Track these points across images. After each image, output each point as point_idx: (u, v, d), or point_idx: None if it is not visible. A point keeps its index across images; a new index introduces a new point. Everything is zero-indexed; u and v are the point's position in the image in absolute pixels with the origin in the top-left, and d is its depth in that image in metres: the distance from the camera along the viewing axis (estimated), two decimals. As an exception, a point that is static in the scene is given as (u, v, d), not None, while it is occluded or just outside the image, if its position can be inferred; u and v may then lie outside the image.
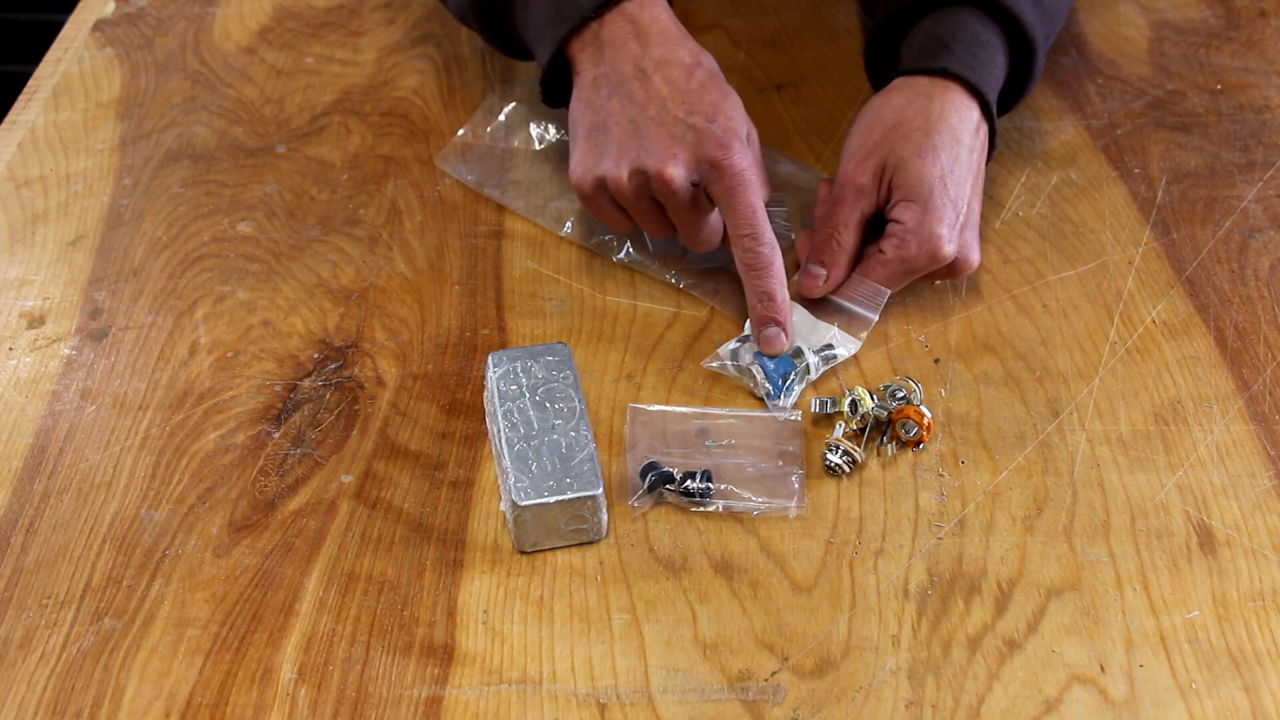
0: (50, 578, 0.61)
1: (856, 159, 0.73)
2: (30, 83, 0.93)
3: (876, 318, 0.72)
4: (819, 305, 0.73)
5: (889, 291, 0.72)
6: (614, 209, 0.73)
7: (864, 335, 0.71)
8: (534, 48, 0.77)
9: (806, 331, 0.71)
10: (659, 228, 0.73)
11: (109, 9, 1.00)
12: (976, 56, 0.74)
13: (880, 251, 0.72)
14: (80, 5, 1.01)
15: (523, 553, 0.62)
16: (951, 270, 0.72)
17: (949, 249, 0.70)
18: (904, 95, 0.74)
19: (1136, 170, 0.83)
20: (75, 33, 0.98)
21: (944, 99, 0.73)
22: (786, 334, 0.70)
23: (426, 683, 0.57)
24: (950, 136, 0.72)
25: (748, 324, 0.72)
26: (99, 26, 0.98)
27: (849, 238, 0.73)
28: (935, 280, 0.75)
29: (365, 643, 0.58)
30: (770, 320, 0.70)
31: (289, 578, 0.61)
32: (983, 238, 0.78)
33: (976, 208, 0.74)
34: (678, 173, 0.68)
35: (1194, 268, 0.76)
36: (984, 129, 0.74)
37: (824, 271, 0.73)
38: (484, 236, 0.80)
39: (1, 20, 1.59)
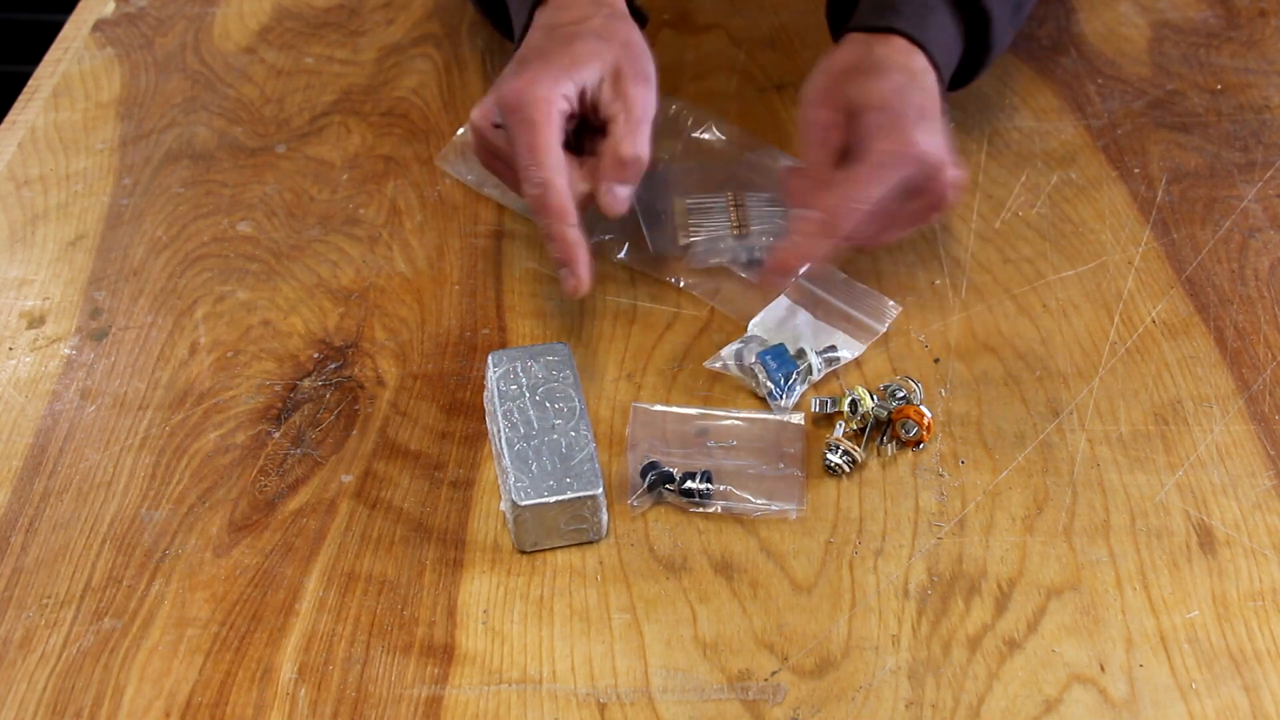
0: (50, 577, 0.61)
1: (813, 104, 0.71)
2: (30, 83, 0.93)
3: (884, 328, 0.72)
4: (826, 312, 0.73)
5: (899, 307, 0.72)
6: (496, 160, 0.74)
7: (869, 342, 0.71)
8: (514, 24, 0.79)
9: (810, 334, 0.71)
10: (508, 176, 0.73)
11: (109, 9, 1.00)
12: (924, 19, 0.74)
13: (859, 161, 0.68)
14: (80, 5, 1.01)
15: (523, 552, 0.62)
16: (933, 179, 0.69)
17: (922, 136, 0.67)
18: (851, 49, 0.73)
19: (1136, 170, 0.83)
20: (75, 33, 0.98)
21: (890, 47, 0.72)
22: (578, 276, 0.67)
23: (426, 682, 0.57)
24: (901, 72, 0.71)
25: (750, 324, 0.72)
26: (99, 26, 0.98)
27: (827, 172, 0.70)
28: (936, 281, 0.75)
29: (365, 642, 0.59)
30: (560, 261, 0.67)
31: (289, 577, 0.61)
32: (982, 238, 0.78)
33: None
34: (475, 113, 0.71)
35: (1194, 268, 0.76)
36: (934, 79, 0.73)
37: (815, 213, 0.68)
38: (484, 236, 0.80)
39: (1, 20, 1.59)
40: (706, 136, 0.84)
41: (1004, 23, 0.77)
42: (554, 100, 0.67)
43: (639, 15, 0.77)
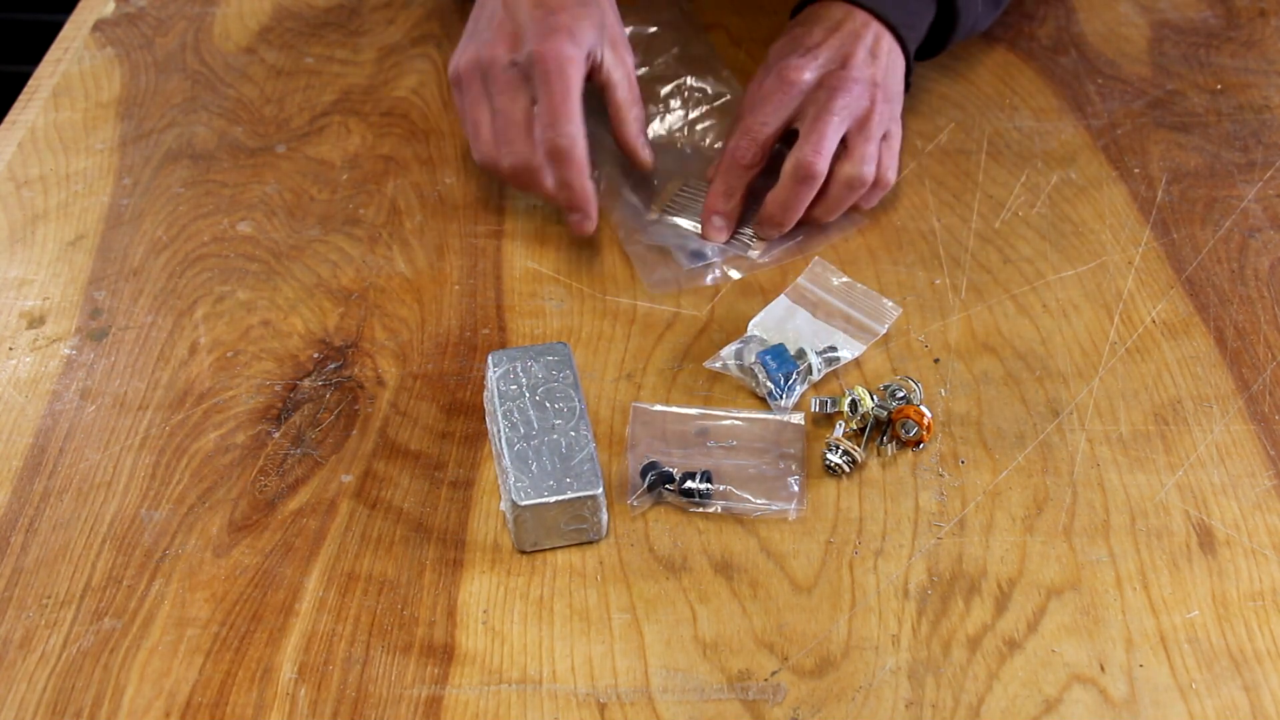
0: (50, 577, 0.61)
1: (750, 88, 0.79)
2: (30, 83, 0.93)
3: (884, 329, 0.72)
4: (826, 312, 0.73)
5: (899, 308, 0.72)
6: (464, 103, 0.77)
7: (869, 342, 0.71)
8: None
9: (810, 334, 0.71)
10: (488, 117, 0.76)
11: (109, 9, 1.00)
12: None
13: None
14: (80, 5, 1.01)
15: (523, 552, 0.62)
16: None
17: (800, 59, 0.75)
18: (798, 24, 0.80)
19: (1136, 170, 0.83)
20: (75, 33, 0.98)
21: (826, 8, 0.79)
22: (589, 219, 0.75)
23: (426, 682, 0.57)
24: (821, 25, 0.77)
25: (750, 324, 0.72)
26: (99, 26, 0.98)
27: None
28: (936, 281, 0.75)
29: (365, 642, 0.59)
30: (572, 207, 0.74)
31: (289, 577, 0.61)
32: (982, 238, 0.78)
33: (877, 116, 0.76)
34: (500, 54, 0.73)
35: (1194, 268, 0.76)
36: (881, 40, 0.78)
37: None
38: (484, 236, 0.80)
39: (1, 20, 1.59)
40: None
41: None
42: (584, 60, 0.74)
43: None
